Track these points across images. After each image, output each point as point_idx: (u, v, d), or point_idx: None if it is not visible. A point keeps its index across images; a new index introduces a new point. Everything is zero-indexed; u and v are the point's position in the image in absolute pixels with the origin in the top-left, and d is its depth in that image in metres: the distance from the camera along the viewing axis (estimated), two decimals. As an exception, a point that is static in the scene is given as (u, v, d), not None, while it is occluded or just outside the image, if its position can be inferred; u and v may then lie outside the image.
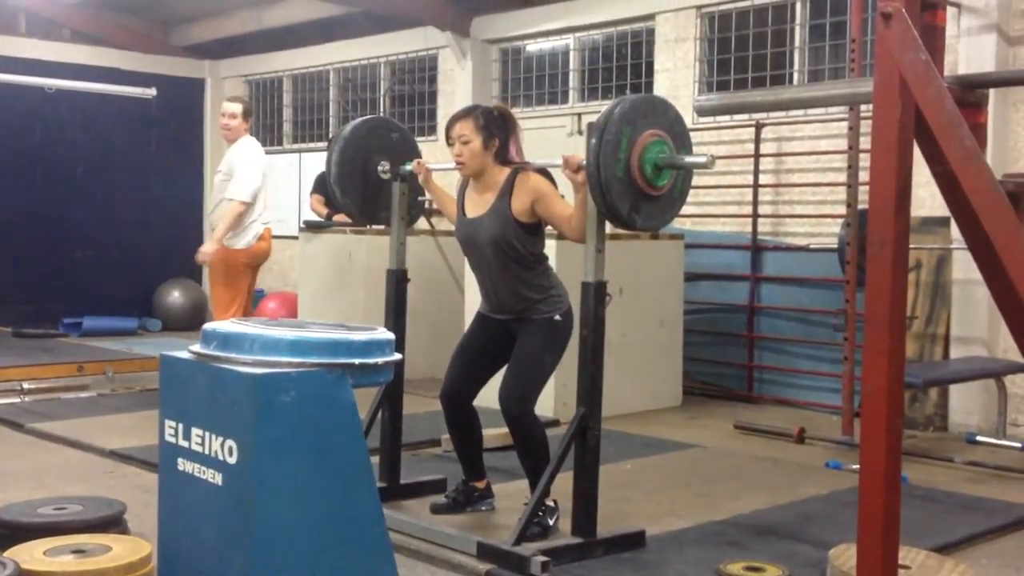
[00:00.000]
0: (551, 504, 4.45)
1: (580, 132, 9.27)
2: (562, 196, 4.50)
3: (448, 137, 4.59)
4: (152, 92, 9.65)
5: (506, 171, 4.53)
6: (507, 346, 4.56)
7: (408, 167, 4.96)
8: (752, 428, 6.94)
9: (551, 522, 4.42)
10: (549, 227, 4.58)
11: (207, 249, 7.16)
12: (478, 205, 4.58)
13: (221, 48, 12.82)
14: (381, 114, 10.86)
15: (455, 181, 4.81)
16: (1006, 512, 5.01)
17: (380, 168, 5.02)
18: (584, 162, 4.12)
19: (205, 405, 3.21)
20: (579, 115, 9.53)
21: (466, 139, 4.51)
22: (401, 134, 5.19)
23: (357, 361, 3.20)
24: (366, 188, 5.07)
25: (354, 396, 3.20)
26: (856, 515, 2.95)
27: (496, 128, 4.54)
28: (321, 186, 8.86)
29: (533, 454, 4.48)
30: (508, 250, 4.45)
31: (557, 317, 4.50)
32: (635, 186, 4.10)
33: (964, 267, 6.80)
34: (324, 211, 9.06)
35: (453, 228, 4.80)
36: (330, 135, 11.87)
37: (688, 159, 4.18)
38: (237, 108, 7.28)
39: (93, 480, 5.41)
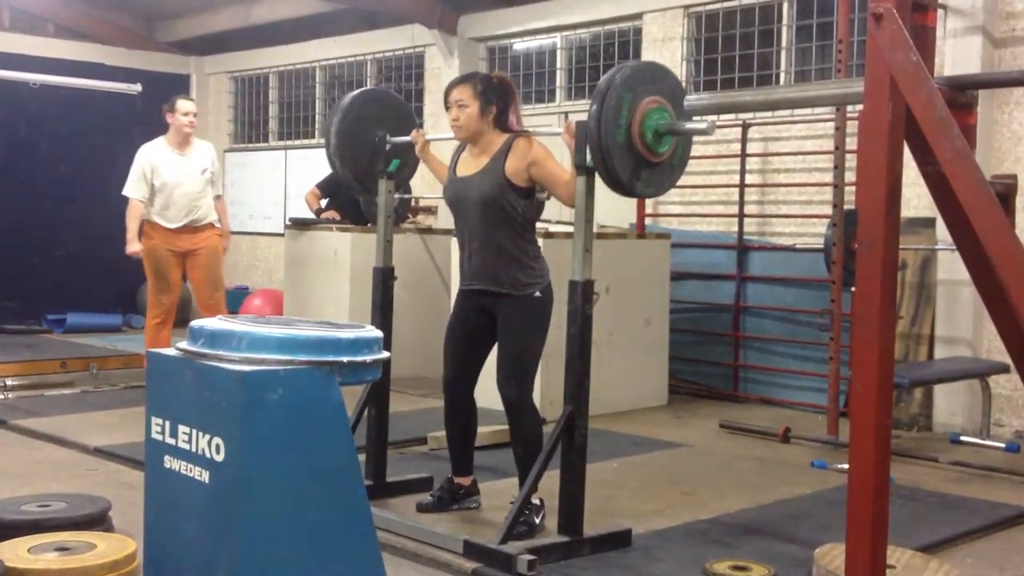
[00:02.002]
0: (537, 502, 4.45)
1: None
2: None
3: (446, 101, 4.62)
4: (137, 88, 9.62)
5: (504, 136, 4.56)
6: (491, 325, 4.58)
7: (407, 138, 5.01)
8: (738, 427, 6.95)
9: (537, 520, 4.42)
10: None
11: (228, 244, 7.63)
12: (471, 166, 4.60)
13: (207, 44, 12.76)
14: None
15: (451, 152, 4.83)
16: (990, 512, 5.03)
17: (378, 138, 5.04)
18: None
19: (192, 402, 3.19)
20: (566, 114, 9.52)
21: (463, 103, 4.54)
22: (399, 106, 5.22)
23: (345, 359, 3.19)
24: (364, 158, 5.09)
25: (342, 394, 3.19)
26: (842, 514, 2.96)
27: (494, 95, 4.56)
28: (327, 186, 8.82)
29: (525, 440, 4.50)
30: (498, 210, 4.46)
31: (537, 294, 4.51)
32: (636, 152, 4.11)
33: (949, 268, 6.83)
34: (316, 206, 9.02)
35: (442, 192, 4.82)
36: (316, 133, 11.85)
37: (689, 125, 4.19)
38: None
39: (77, 477, 5.38)
